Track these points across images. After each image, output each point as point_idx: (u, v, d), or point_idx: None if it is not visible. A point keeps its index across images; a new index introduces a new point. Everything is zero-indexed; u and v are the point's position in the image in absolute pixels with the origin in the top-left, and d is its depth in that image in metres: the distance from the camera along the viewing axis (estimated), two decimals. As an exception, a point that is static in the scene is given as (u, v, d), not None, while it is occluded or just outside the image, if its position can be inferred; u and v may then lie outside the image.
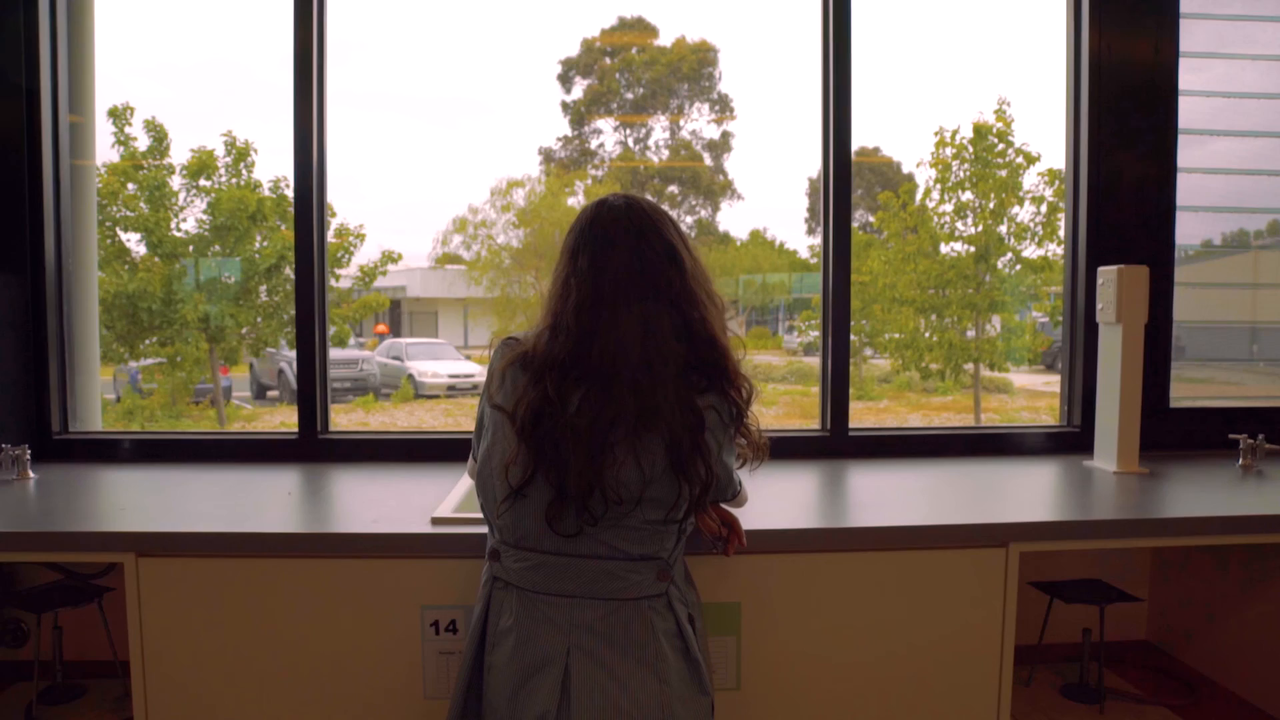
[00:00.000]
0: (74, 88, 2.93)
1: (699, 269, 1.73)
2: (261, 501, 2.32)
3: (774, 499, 2.27)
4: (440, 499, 2.25)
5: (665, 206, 1.75)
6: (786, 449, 2.78)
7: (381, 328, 10.71)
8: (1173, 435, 2.93)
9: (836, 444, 2.85)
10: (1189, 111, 2.97)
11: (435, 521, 2.07)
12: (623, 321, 1.62)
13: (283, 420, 8.12)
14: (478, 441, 1.79)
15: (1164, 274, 2.90)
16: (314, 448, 2.82)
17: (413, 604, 2.00)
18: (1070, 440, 2.95)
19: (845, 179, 2.86)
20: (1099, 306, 2.67)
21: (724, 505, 1.95)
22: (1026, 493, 2.50)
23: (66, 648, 2.56)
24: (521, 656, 1.63)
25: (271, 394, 9.08)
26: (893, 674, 2.07)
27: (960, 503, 2.36)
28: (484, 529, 1.74)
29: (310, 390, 2.81)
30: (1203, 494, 2.40)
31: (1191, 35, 2.95)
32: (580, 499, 1.59)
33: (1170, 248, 2.93)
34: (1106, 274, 2.64)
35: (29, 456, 2.54)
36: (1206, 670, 2.74)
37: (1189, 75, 2.96)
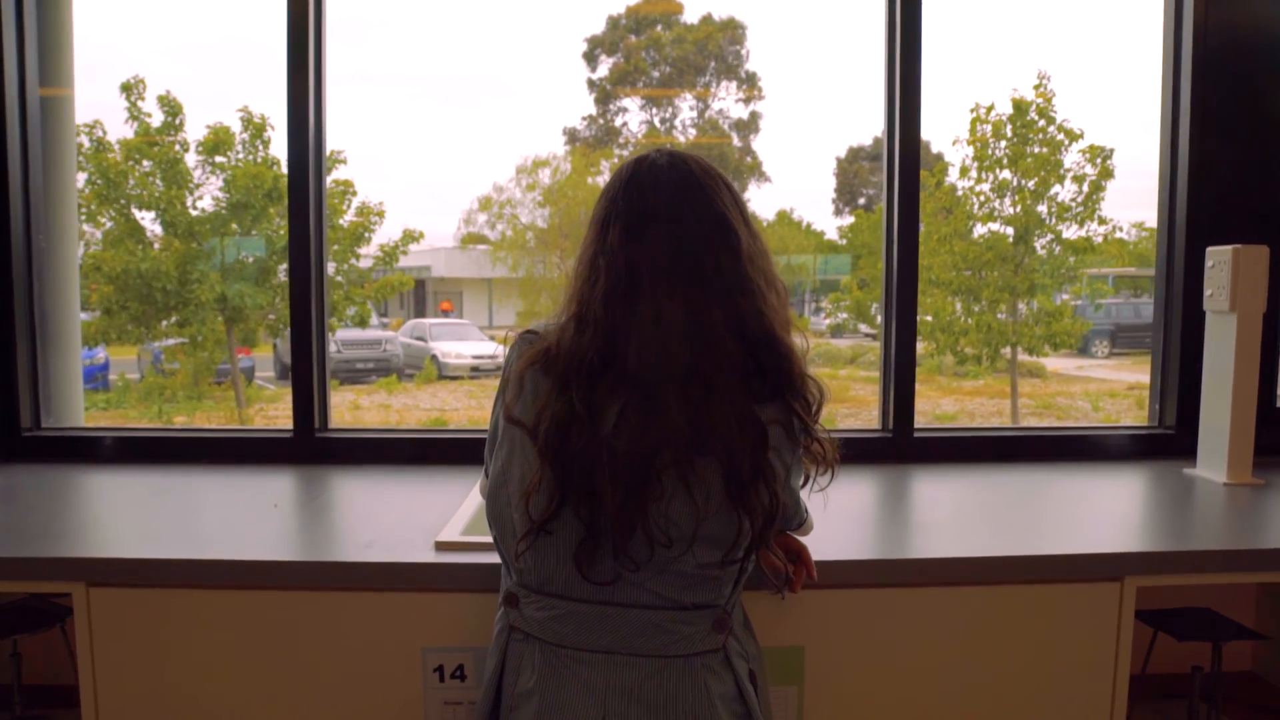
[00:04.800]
0: (47, 59, 2.56)
1: (757, 246, 1.34)
2: (244, 516, 1.95)
3: (835, 518, 1.86)
4: (448, 515, 1.87)
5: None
6: (843, 453, 2.37)
7: (446, 305, 10.39)
8: (1282, 440, 2.51)
9: (900, 447, 2.45)
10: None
11: (439, 547, 1.70)
12: (665, 316, 1.25)
13: (304, 402, 7.81)
14: (490, 455, 1.41)
15: None
16: (311, 448, 2.44)
17: (413, 645, 1.64)
18: (1163, 444, 2.53)
19: (913, 153, 2.44)
20: (1207, 293, 2.25)
21: (788, 533, 1.58)
22: (1128, 509, 2.10)
23: (28, 672, 2.21)
24: (547, 726, 1.27)
25: (295, 374, 8.77)
26: (983, 732, 1.69)
27: (1055, 523, 1.95)
28: (497, 557, 1.37)
29: (306, 385, 2.43)
30: (1336, 512, 1.99)
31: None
32: (619, 541, 1.22)
33: (1287, 225, 2.49)
34: (1218, 255, 2.22)
35: (-12, 458, 2.19)
36: (1324, 710, 2.34)
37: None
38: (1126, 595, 1.69)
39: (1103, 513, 2.04)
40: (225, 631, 1.63)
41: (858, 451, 2.44)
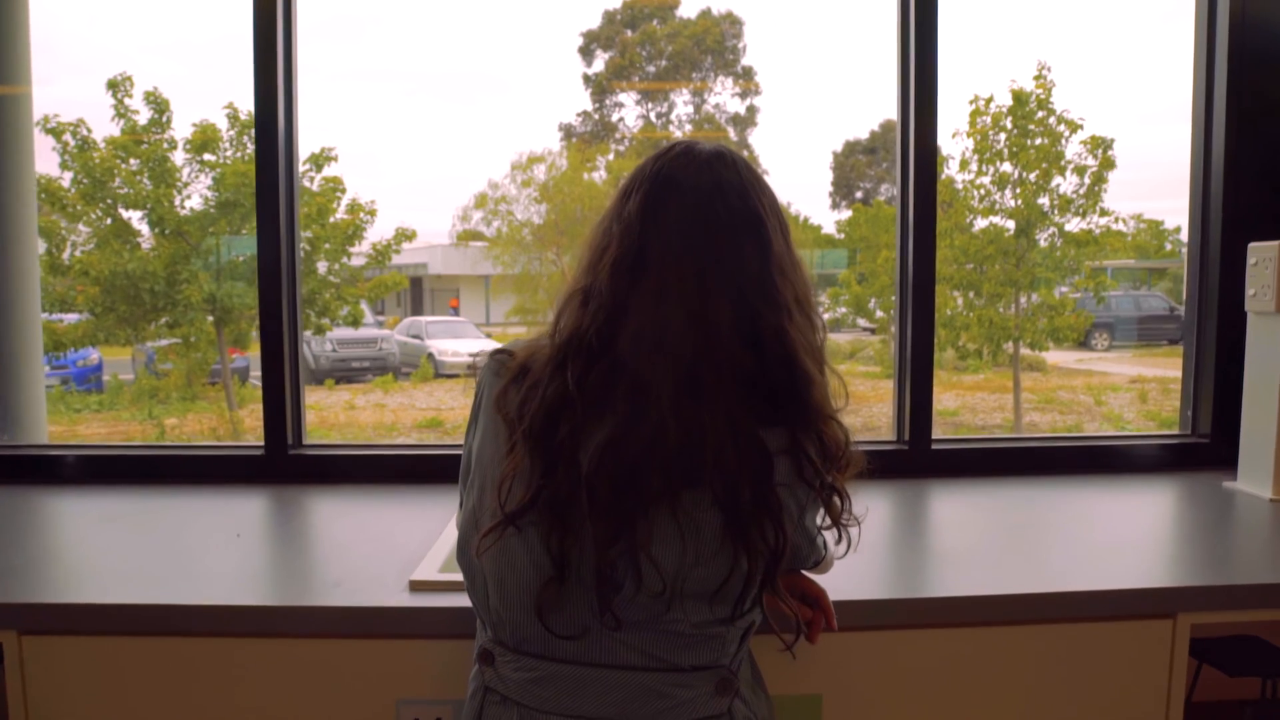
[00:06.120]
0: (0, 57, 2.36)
1: (792, 264, 1.14)
2: (203, 547, 1.74)
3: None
4: (428, 546, 1.67)
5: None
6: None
7: (454, 302, 10.18)
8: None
9: (917, 460, 2.25)
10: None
11: (414, 587, 1.49)
12: (668, 300, 1.05)
13: (298, 402, 7.59)
14: (464, 486, 1.22)
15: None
16: (283, 466, 2.23)
17: (385, 698, 1.44)
18: (1198, 454, 2.33)
19: (929, 147, 2.23)
20: (1249, 292, 2.05)
21: (804, 572, 1.38)
22: (1171, 531, 1.90)
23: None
24: (526, 804, 1.08)
25: (291, 374, 8.55)
26: (1023, 789, 1.49)
27: (1093, 550, 1.73)
28: (476, 600, 1.17)
29: (278, 397, 2.22)
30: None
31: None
32: (601, 593, 1.03)
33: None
34: (1262, 251, 2.01)
35: (-69, 482, 1.99)
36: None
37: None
38: (1180, 634, 1.49)
39: (1144, 536, 1.84)
40: (177, 684, 1.43)
41: (870, 465, 2.24)
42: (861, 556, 1.60)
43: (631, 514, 1.03)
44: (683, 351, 1.04)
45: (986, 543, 1.77)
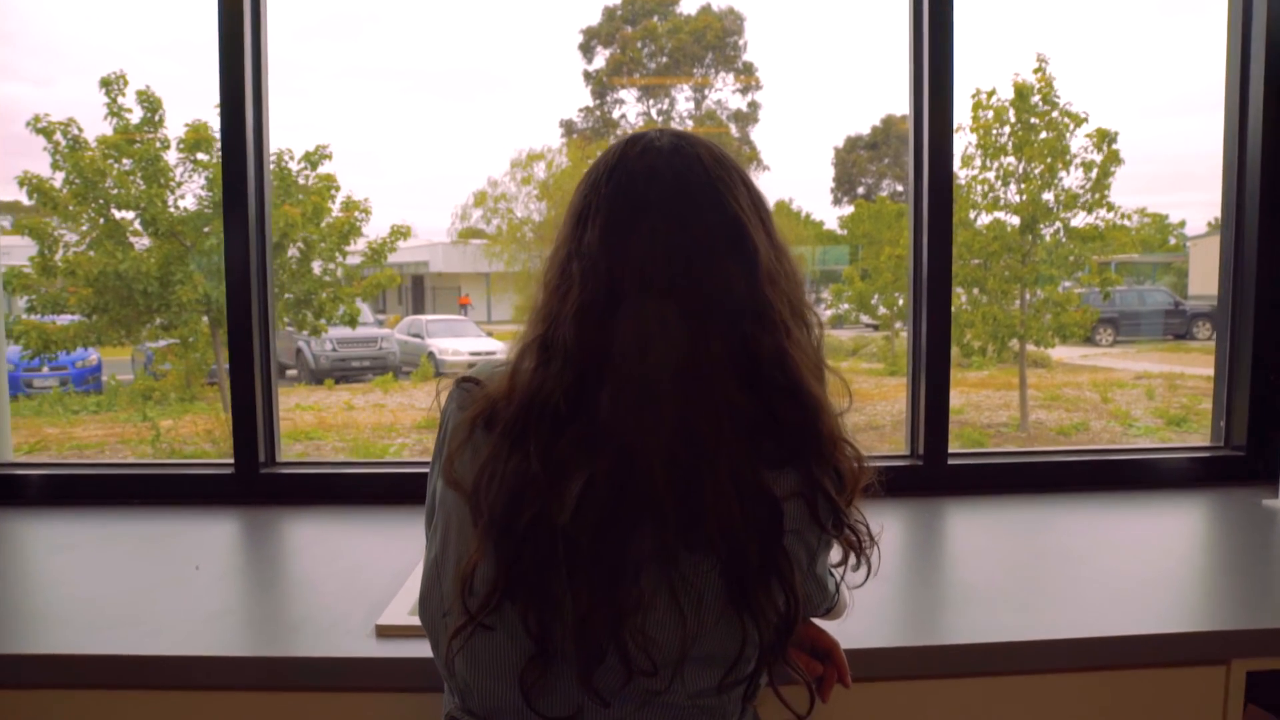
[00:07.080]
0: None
1: (781, 266, 0.97)
2: (156, 582, 1.57)
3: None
4: (399, 582, 1.50)
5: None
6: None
7: (464, 300, 9.98)
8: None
9: (932, 477, 2.07)
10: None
11: (381, 632, 1.32)
12: (652, 346, 0.88)
13: (298, 403, 7.43)
14: (429, 528, 1.06)
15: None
16: (254, 486, 2.05)
17: (348, 758, 1.26)
18: (1232, 468, 2.14)
19: (945, 140, 2.05)
20: (1293, 296, 1.88)
21: (814, 620, 1.21)
22: (1214, 560, 1.71)
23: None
24: None
25: (291, 373, 8.39)
26: None
27: (1129, 583, 1.54)
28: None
29: (249, 411, 2.05)
30: None
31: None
32: (583, 667, 0.87)
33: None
34: (1307, 252, 1.84)
35: None
36: None
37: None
38: (1234, 682, 1.32)
39: (1183, 565, 1.65)
40: (112, 745, 1.27)
41: (881, 477, 2.07)
42: (877, 595, 1.43)
43: (617, 582, 0.86)
44: (672, 405, 0.88)
45: (1013, 576, 1.59)
